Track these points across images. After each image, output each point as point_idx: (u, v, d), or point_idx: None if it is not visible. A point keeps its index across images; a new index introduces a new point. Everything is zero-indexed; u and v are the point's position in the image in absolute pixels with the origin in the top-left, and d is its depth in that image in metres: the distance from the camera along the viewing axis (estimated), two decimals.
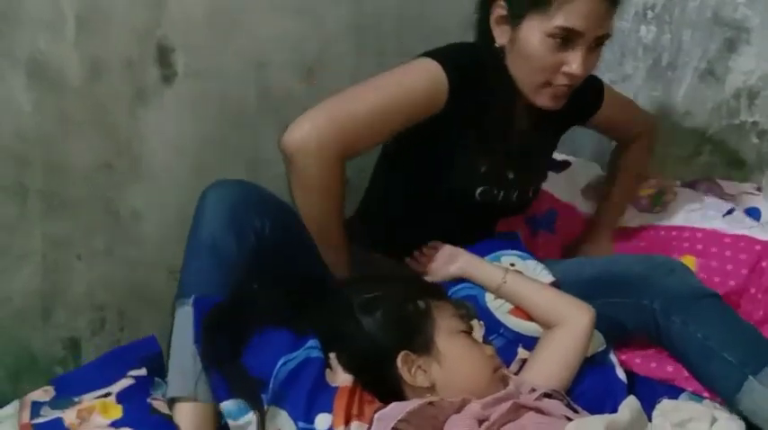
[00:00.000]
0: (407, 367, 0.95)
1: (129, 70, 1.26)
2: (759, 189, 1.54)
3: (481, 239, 1.25)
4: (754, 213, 1.45)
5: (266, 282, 1.05)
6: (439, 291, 1.08)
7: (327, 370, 0.98)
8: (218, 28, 1.35)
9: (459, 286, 1.16)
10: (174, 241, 1.32)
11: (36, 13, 1.15)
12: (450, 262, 1.16)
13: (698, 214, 1.40)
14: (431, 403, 0.90)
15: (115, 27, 1.23)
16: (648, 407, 0.99)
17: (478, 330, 1.04)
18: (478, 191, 1.22)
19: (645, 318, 1.13)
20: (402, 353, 0.95)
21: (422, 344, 0.97)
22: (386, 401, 0.94)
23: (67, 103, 1.21)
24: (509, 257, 1.20)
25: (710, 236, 1.32)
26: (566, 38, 1.08)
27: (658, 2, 1.64)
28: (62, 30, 1.17)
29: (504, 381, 0.98)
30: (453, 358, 0.96)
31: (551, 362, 1.01)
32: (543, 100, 1.15)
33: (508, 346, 1.08)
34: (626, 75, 1.73)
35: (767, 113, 1.51)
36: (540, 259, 1.26)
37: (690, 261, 1.29)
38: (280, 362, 0.96)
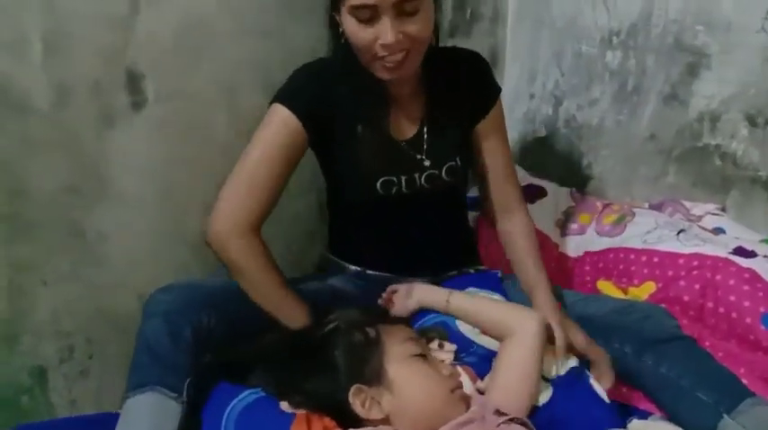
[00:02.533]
0: (360, 401, 0.93)
1: (97, 94, 1.25)
2: (723, 209, 1.57)
3: (428, 238, 1.29)
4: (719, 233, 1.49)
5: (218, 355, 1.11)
6: (392, 317, 1.10)
7: (281, 402, 0.99)
8: (186, 51, 1.35)
9: (429, 316, 1.18)
10: (141, 264, 1.31)
11: None
12: (407, 297, 1.19)
13: (654, 236, 1.44)
14: None
15: (82, 50, 1.22)
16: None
17: (449, 351, 1.04)
18: (379, 182, 1.22)
19: (615, 360, 1.13)
20: (353, 388, 0.94)
21: (372, 374, 0.95)
22: (346, 427, 0.93)
23: (33, 126, 1.20)
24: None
25: (666, 257, 1.37)
26: (366, 13, 1.07)
27: (623, 28, 1.67)
28: (27, 52, 1.16)
29: (466, 402, 0.98)
30: (405, 383, 0.95)
31: (511, 378, 1.01)
32: (380, 73, 1.15)
33: (481, 362, 1.09)
34: (593, 99, 1.77)
35: (729, 136, 1.55)
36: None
37: (650, 286, 1.35)
38: (228, 407, 1.00)
